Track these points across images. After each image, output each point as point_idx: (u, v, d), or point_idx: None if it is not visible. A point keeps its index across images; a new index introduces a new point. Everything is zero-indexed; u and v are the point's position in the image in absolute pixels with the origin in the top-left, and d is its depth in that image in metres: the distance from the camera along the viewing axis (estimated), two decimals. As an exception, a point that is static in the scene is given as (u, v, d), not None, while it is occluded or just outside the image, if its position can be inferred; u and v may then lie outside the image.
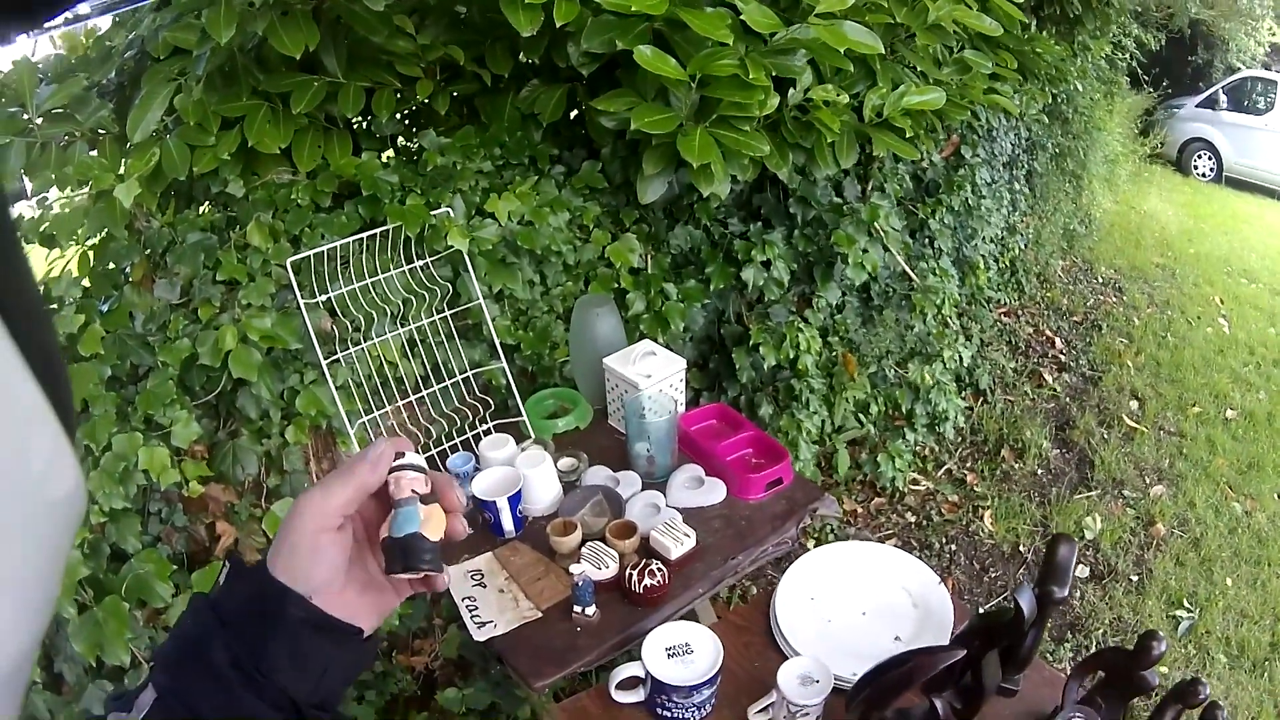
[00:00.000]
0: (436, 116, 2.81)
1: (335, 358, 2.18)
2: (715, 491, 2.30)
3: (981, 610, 3.66)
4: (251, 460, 2.27)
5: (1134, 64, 8.79)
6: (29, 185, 2.33)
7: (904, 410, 4.25)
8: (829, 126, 2.62)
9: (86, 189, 2.26)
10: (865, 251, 3.18)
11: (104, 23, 2.97)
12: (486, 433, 2.41)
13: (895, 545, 4.03)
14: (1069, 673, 1.73)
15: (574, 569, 1.89)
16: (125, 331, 2.15)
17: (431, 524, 0.84)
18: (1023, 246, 6.13)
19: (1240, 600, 4.11)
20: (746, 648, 1.92)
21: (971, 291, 5.01)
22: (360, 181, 2.36)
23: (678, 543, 2.05)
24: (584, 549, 2.00)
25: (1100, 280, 7.22)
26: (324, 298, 2.14)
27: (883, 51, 2.74)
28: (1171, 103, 13.07)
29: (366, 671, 2.56)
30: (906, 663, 1.55)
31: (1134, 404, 5.56)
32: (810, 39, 2.54)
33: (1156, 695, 1.61)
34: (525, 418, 2.47)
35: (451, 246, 2.33)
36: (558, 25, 2.40)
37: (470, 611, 1.93)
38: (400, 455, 0.85)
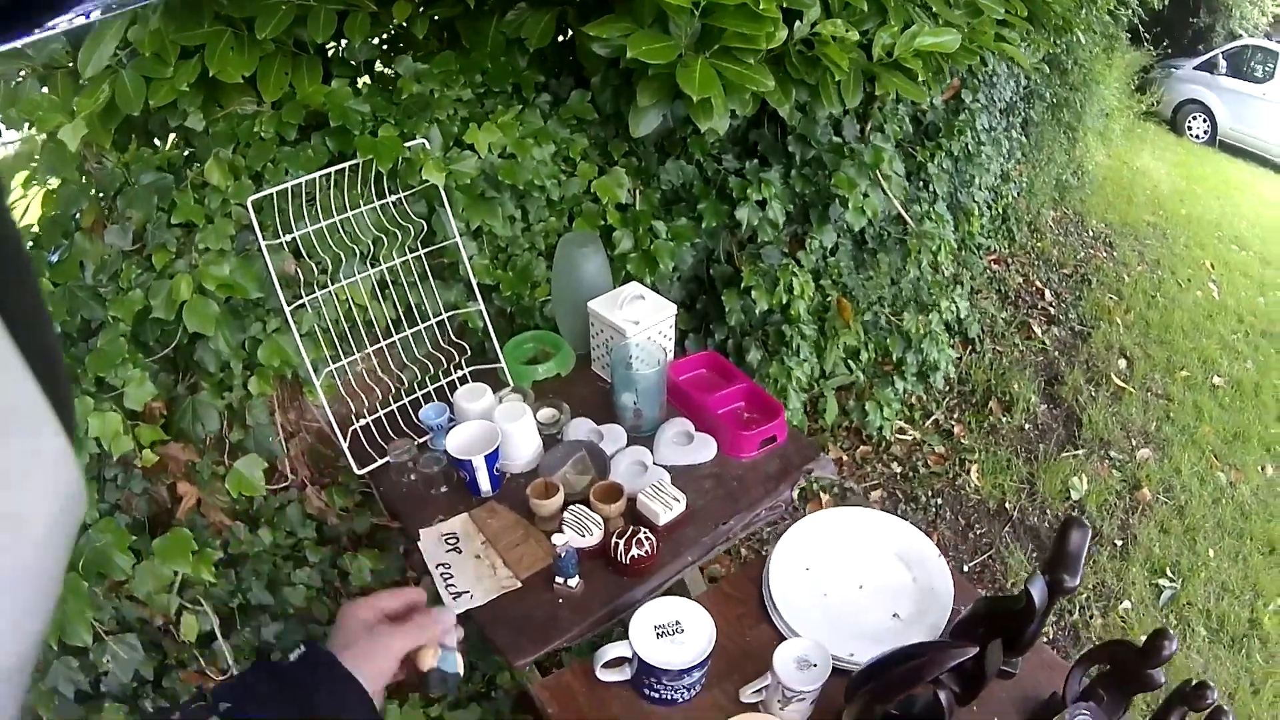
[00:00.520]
0: (414, 41, 2.61)
1: (300, 302, 2.03)
2: (706, 448, 2.21)
3: (964, 572, 3.71)
4: (212, 416, 2.13)
5: (1136, 20, 8.71)
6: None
7: (894, 358, 4.17)
8: (837, 64, 2.47)
9: (34, 130, 2.09)
10: (866, 196, 3.06)
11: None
12: (462, 379, 2.29)
13: (881, 496, 4.03)
14: (1072, 661, 1.68)
15: (556, 539, 1.78)
16: (75, 284, 1.98)
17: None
18: (1015, 195, 6.10)
19: (1222, 573, 4.13)
20: (739, 620, 1.84)
21: (964, 238, 4.94)
22: (329, 112, 2.17)
23: (667, 508, 1.96)
24: (566, 513, 1.90)
25: (1091, 234, 7.18)
26: (288, 238, 1.97)
27: (891, -13, 2.61)
28: (1169, 62, 13.07)
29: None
30: (914, 657, 1.48)
31: (1122, 363, 5.54)
32: (821, -32, 2.40)
33: (1160, 693, 1.55)
34: (503, 364, 2.35)
35: (427, 181, 2.18)
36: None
37: (445, 581, 1.83)
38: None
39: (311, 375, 2.05)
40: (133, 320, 2.01)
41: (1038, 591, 1.54)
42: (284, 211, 1.96)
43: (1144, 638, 1.51)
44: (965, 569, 3.87)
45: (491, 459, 1.96)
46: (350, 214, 2.07)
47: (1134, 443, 4.84)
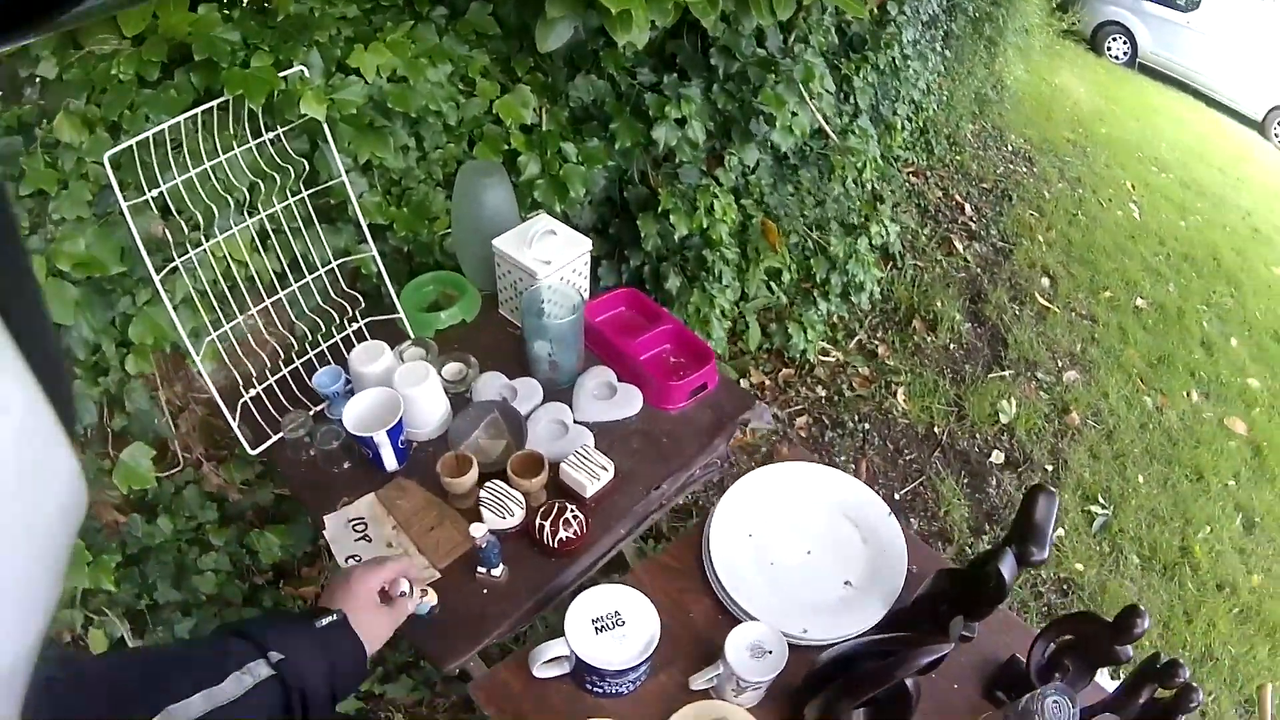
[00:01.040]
0: None
1: (172, 266, 1.79)
2: (630, 401, 2.09)
3: (895, 500, 3.67)
4: (89, 408, 1.93)
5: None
6: None
7: (818, 279, 4.07)
8: (769, -28, 2.31)
9: None
10: (794, 114, 2.91)
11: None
12: (359, 334, 2.11)
13: (807, 422, 3.97)
14: (1032, 628, 1.69)
15: (475, 530, 1.63)
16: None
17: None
18: (935, 108, 6.05)
19: (1152, 500, 4.20)
20: (682, 596, 1.75)
21: (883, 149, 4.84)
22: (194, 44, 1.89)
23: (594, 478, 1.84)
24: (483, 491, 1.76)
25: (1010, 149, 7.17)
26: (154, 193, 1.71)
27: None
28: None
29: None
30: (884, 654, 1.45)
31: (1046, 281, 5.56)
32: None
33: (1127, 668, 1.54)
34: (401, 312, 2.18)
35: (306, 115, 1.95)
36: None
37: (356, 576, 1.69)
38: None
39: (190, 348, 1.84)
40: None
41: (1008, 570, 1.51)
42: (147, 165, 1.71)
43: (1114, 614, 1.48)
44: (897, 497, 3.85)
45: (395, 433, 1.80)
46: (223, 158, 1.83)
47: (1060, 364, 4.86)
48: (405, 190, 2.36)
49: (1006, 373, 4.66)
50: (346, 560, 1.72)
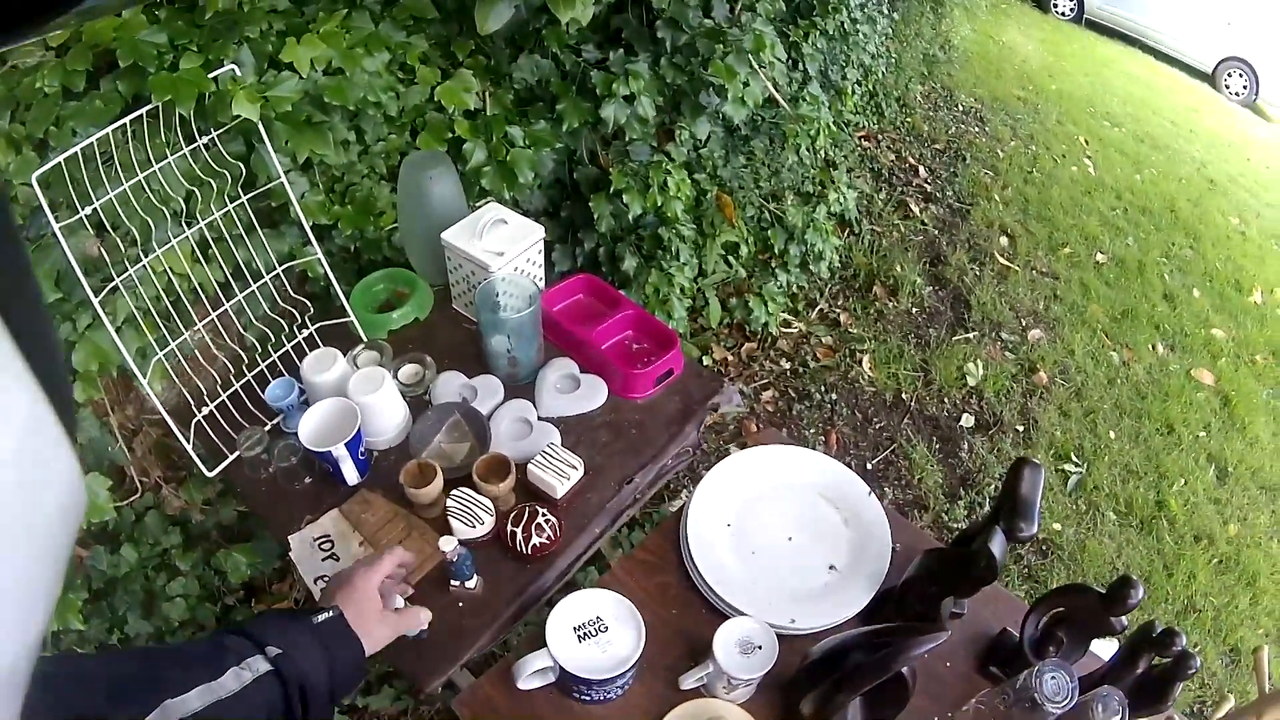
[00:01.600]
0: None
1: (112, 285, 1.73)
2: (595, 393, 2.08)
3: (868, 470, 3.69)
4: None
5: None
6: None
7: (776, 250, 4.08)
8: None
9: None
10: (746, 85, 2.88)
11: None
12: (309, 341, 2.07)
13: (773, 396, 3.99)
14: (1024, 601, 1.72)
15: (444, 544, 1.60)
16: None
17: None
18: (884, 71, 6.07)
19: (1125, 455, 4.26)
20: (662, 593, 1.74)
21: (834, 116, 4.82)
22: (119, 49, 1.84)
23: (563, 478, 1.82)
24: (450, 500, 1.73)
25: (961, 109, 7.22)
26: (87, 211, 1.65)
27: None
28: None
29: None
30: (878, 646, 1.43)
31: (1005, 241, 5.61)
32: None
33: (1123, 637, 1.53)
34: (351, 315, 2.14)
35: (239, 115, 1.89)
36: None
37: (325, 597, 1.66)
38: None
39: (136, 370, 1.79)
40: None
41: (999, 549, 1.50)
42: (78, 181, 1.65)
43: (1105, 587, 1.49)
44: (869, 466, 3.87)
45: (354, 445, 1.77)
46: (156, 168, 1.77)
47: (1024, 323, 4.91)
48: (348, 187, 2.31)
49: (971, 334, 4.70)
50: (315, 582, 1.69)
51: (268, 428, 1.92)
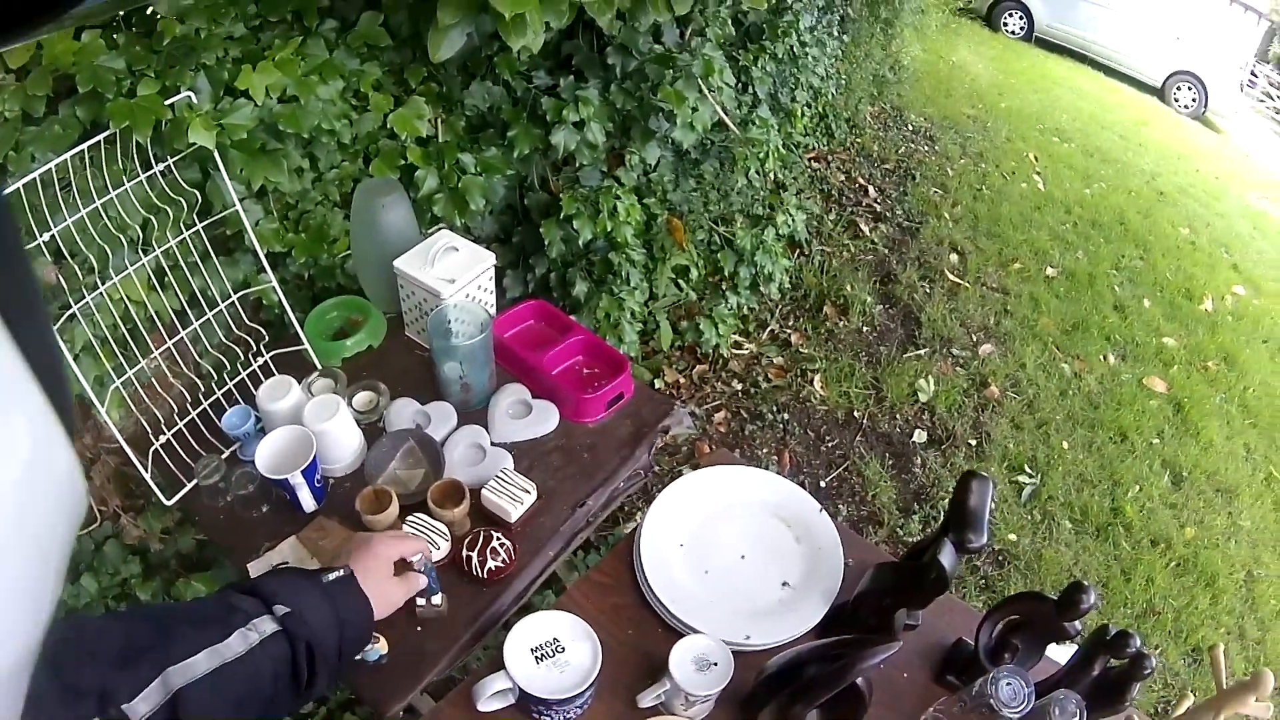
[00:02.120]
0: None
1: (69, 313, 1.77)
2: (547, 418, 2.12)
3: (821, 488, 3.75)
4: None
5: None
6: None
7: (726, 272, 4.15)
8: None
9: None
10: (695, 110, 2.95)
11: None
12: (265, 369, 2.11)
13: (725, 417, 4.05)
14: (977, 611, 1.75)
15: (412, 555, 1.64)
16: None
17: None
18: (834, 92, 6.17)
19: (1079, 465, 4.35)
20: (617, 614, 1.78)
21: (784, 138, 4.90)
22: (78, 75, 1.88)
23: (516, 502, 1.87)
24: (406, 525, 1.78)
25: (911, 128, 7.36)
26: (45, 237, 1.70)
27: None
28: None
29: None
30: (833, 658, 1.48)
31: (954, 258, 5.71)
32: None
33: (1079, 640, 1.58)
34: (306, 343, 2.18)
35: (195, 143, 1.94)
36: None
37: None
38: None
39: (94, 397, 1.82)
40: None
41: (949, 560, 1.55)
42: (36, 207, 1.69)
43: (1058, 593, 1.54)
44: (823, 484, 3.93)
45: (310, 472, 1.80)
46: (113, 195, 1.81)
47: (975, 339, 5.00)
48: (302, 214, 2.35)
49: (922, 351, 4.78)
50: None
51: (225, 455, 1.95)
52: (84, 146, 1.76)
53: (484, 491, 1.86)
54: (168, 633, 1.17)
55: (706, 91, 3.02)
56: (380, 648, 1.61)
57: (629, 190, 3.12)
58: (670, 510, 1.92)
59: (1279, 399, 5.27)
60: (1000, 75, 10.16)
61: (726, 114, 3.35)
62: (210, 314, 2.03)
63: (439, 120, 2.63)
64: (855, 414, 4.29)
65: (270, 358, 2.14)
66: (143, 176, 1.88)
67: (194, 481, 1.91)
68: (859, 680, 1.52)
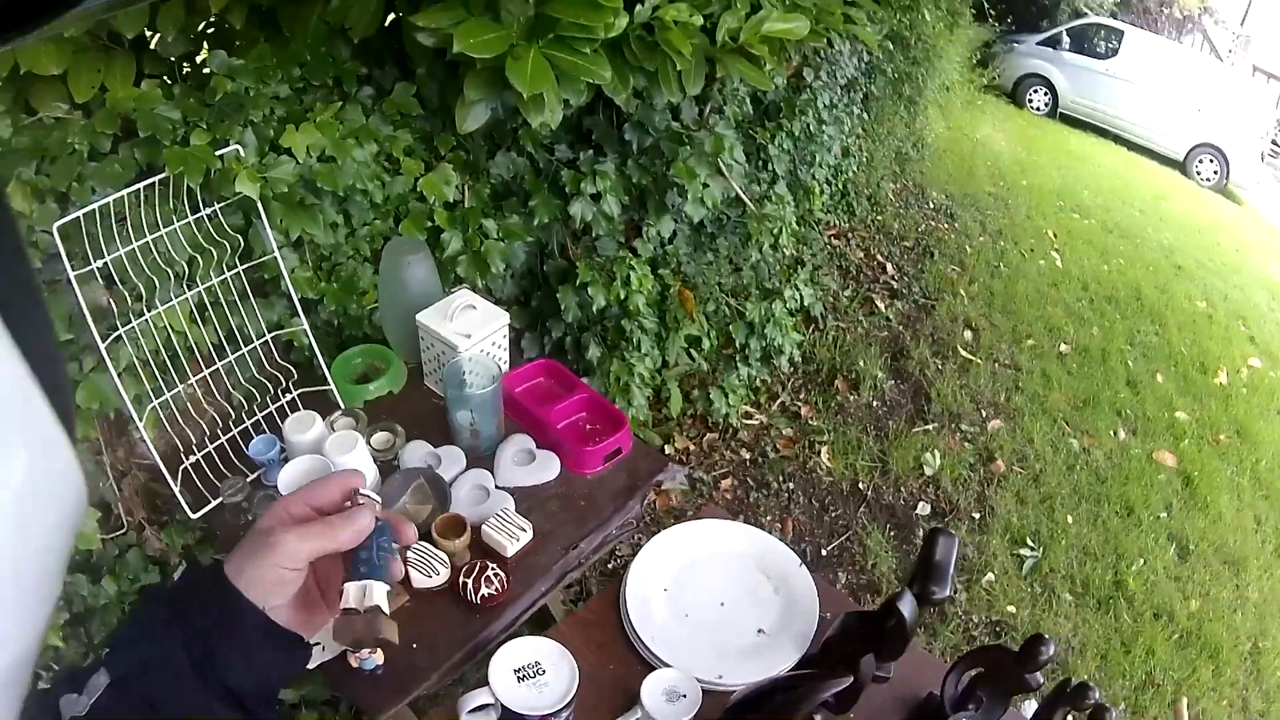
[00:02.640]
0: (233, 33, 2.53)
1: (116, 335, 1.99)
2: (549, 467, 2.26)
3: (822, 556, 3.86)
4: (35, 469, 2.07)
5: (981, -4, 9.18)
6: None
7: (737, 344, 4.30)
8: (679, 51, 2.52)
9: None
10: (706, 186, 3.14)
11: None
12: (292, 404, 2.29)
13: (732, 484, 4.16)
14: (948, 666, 1.78)
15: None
16: None
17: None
18: (855, 169, 6.30)
19: (1083, 538, 4.41)
20: (600, 649, 1.89)
21: (803, 214, 5.08)
22: (138, 120, 2.10)
23: (513, 539, 2.01)
24: (410, 553, 1.92)
25: (932, 205, 7.47)
26: (99, 264, 1.92)
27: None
28: (1012, 37, 14.07)
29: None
30: (791, 688, 1.58)
31: (968, 334, 5.81)
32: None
33: (1040, 694, 1.67)
34: (331, 384, 2.35)
35: (240, 192, 2.14)
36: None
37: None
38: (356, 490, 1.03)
39: (134, 415, 2.01)
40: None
41: (908, 609, 1.64)
42: (93, 235, 1.91)
43: (1019, 646, 1.62)
44: (824, 553, 4.03)
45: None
46: (163, 232, 2.03)
47: (984, 414, 5.10)
48: (335, 265, 2.53)
49: (930, 426, 4.88)
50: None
51: (249, 479, 2.12)
52: (139, 185, 1.98)
53: (484, 527, 2.01)
54: None
55: (722, 167, 3.21)
56: (377, 658, 1.74)
57: (643, 261, 3.31)
58: (657, 556, 2.05)
59: (1292, 469, 5.27)
60: (1023, 152, 10.29)
61: (744, 191, 3.54)
62: (245, 349, 2.23)
63: (466, 186, 2.82)
64: (860, 485, 4.40)
65: (298, 394, 2.31)
66: (191, 218, 2.10)
67: (219, 499, 2.08)
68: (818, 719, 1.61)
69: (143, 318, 2.03)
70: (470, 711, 1.68)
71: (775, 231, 3.92)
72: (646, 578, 2.01)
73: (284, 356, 2.35)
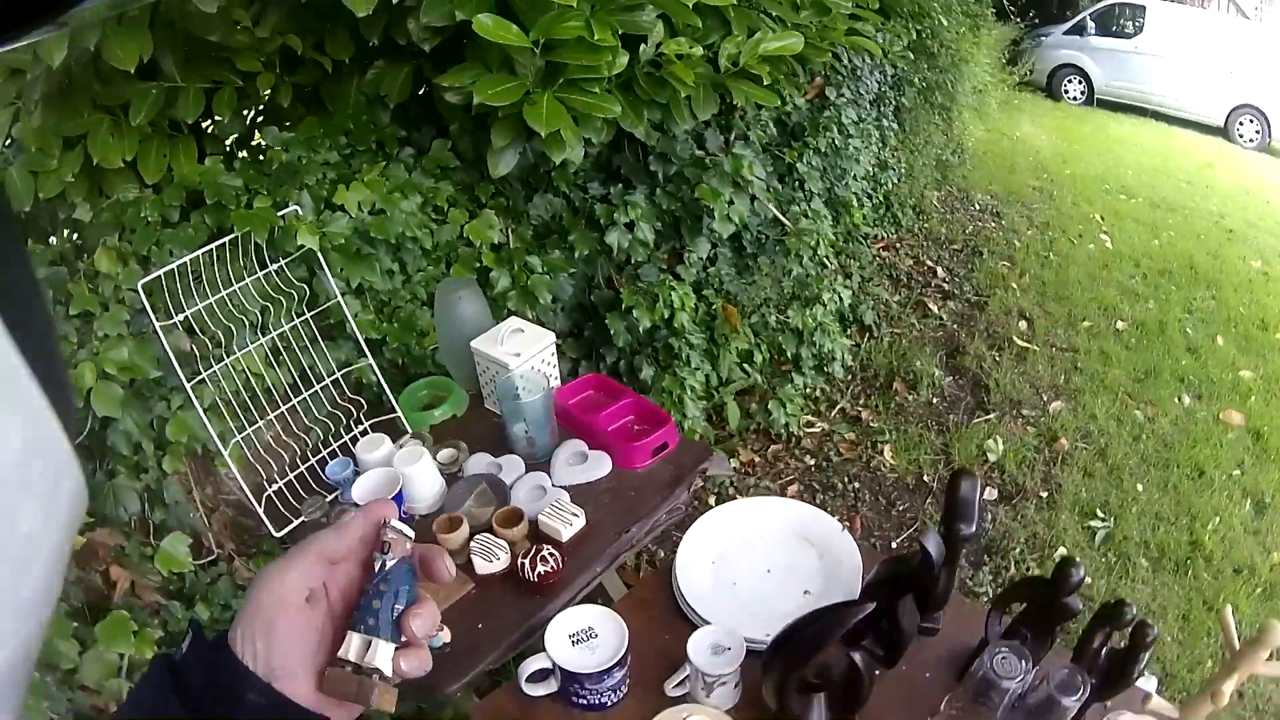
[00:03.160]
0: (282, 110, 2.85)
1: (200, 378, 2.26)
2: (600, 465, 2.42)
3: (893, 549, 3.95)
4: (132, 498, 2.33)
5: (999, -3, 9.22)
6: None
7: (789, 355, 4.45)
8: (682, 80, 2.74)
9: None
10: (731, 203, 3.34)
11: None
12: (364, 433, 2.52)
13: (798, 490, 4.23)
14: (989, 605, 1.82)
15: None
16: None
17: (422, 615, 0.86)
18: (896, 181, 6.37)
19: (1154, 504, 4.36)
20: (653, 622, 1.99)
21: (848, 230, 5.23)
22: (205, 189, 2.41)
23: (567, 524, 2.18)
24: (473, 542, 2.11)
25: (978, 207, 7.48)
26: (180, 317, 2.21)
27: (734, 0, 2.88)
28: (1039, 32, 14.03)
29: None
30: (819, 620, 1.61)
31: (1023, 324, 5.81)
32: (657, -6, 2.69)
33: (1082, 618, 1.69)
34: (399, 413, 2.58)
35: (303, 246, 2.41)
36: (395, 1, 2.49)
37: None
38: (385, 523, 0.87)
39: (220, 446, 2.28)
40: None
41: (932, 545, 1.66)
42: (173, 291, 2.21)
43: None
44: (894, 545, 4.08)
45: (397, 501, 2.18)
46: (236, 286, 2.33)
47: (1045, 398, 5.09)
48: (394, 309, 2.79)
49: (991, 415, 4.91)
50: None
51: (328, 499, 2.35)
52: (211, 246, 2.28)
53: (540, 515, 2.19)
54: None
55: (753, 186, 3.41)
56: (444, 636, 1.91)
57: (685, 284, 3.52)
58: (705, 533, 2.18)
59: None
60: (1063, 143, 10.23)
61: (775, 207, 3.73)
62: (317, 387, 2.49)
63: (509, 229, 3.06)
64: (925, 478, 4.46)
65: (369, 424, 2.55)
66: (260, 273, 2.39)
67: (301, 518, 2.31)
68: (857, 659, 1.63)
69: (223, 362, 2.31)
70: (529, 678, 1.83)
71: (813, 244, 4.09)
72: (695, 553, 2.13)
73: (354, 392, 2.60)
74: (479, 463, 2.44)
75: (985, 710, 1.54)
